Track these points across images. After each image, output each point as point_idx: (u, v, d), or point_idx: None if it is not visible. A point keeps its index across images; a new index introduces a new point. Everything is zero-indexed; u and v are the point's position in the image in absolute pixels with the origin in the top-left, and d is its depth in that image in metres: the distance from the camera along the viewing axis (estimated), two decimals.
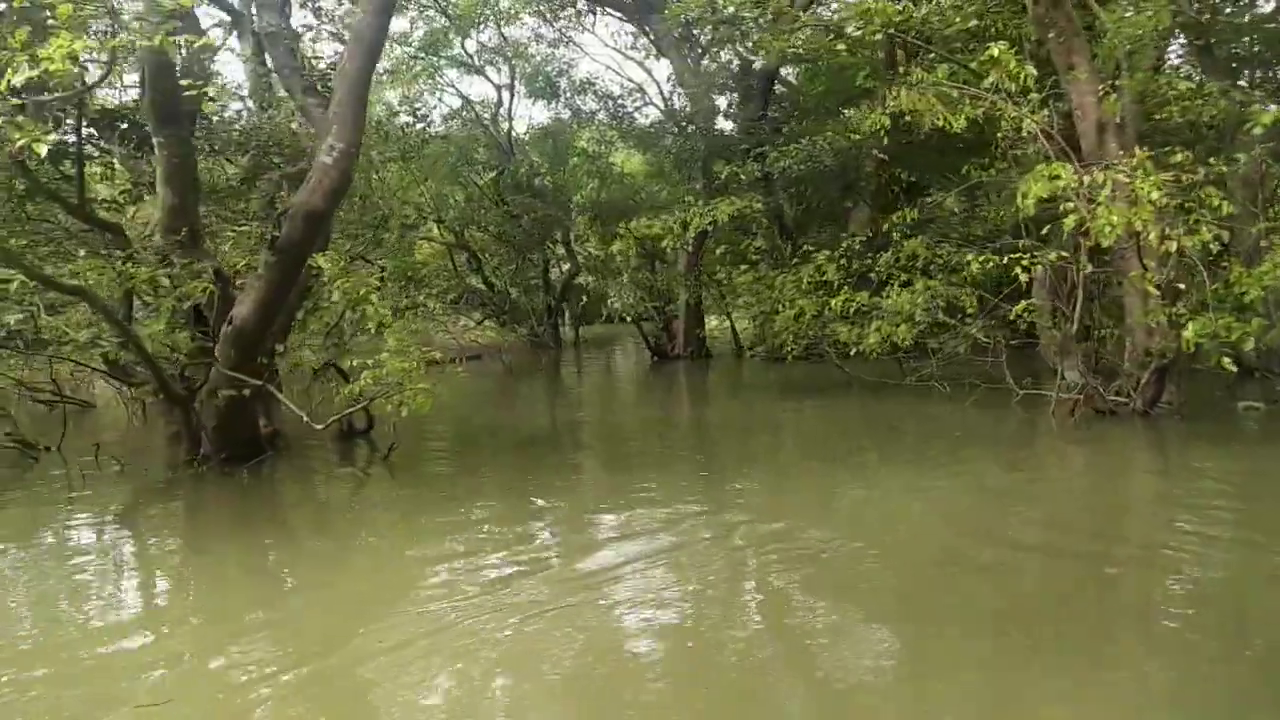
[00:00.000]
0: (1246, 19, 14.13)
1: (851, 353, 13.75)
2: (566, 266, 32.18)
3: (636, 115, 31.61)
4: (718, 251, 18.85)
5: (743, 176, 19.26)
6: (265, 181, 11.26)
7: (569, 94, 31.12)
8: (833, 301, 13.35)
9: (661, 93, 43.91)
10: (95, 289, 9.15)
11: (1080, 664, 4.27)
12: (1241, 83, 14.86)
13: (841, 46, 12.50)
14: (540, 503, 8.28)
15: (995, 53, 11.25)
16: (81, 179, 10.24)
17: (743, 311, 24.23)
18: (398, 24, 29.37)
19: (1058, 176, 8.68)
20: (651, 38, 29.60)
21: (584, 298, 34.94)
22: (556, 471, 9.98)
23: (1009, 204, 14.09)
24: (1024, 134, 10.82)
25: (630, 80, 47.90)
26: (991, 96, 10.70)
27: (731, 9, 14.47)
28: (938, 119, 10.63)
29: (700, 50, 27.93)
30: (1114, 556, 6.16)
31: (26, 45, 5.30)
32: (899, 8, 12.26)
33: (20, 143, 5.44)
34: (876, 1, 12.14)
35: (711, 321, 27.04)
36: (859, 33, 12.37)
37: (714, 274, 22.01)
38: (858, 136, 20.95)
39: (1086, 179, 8.66)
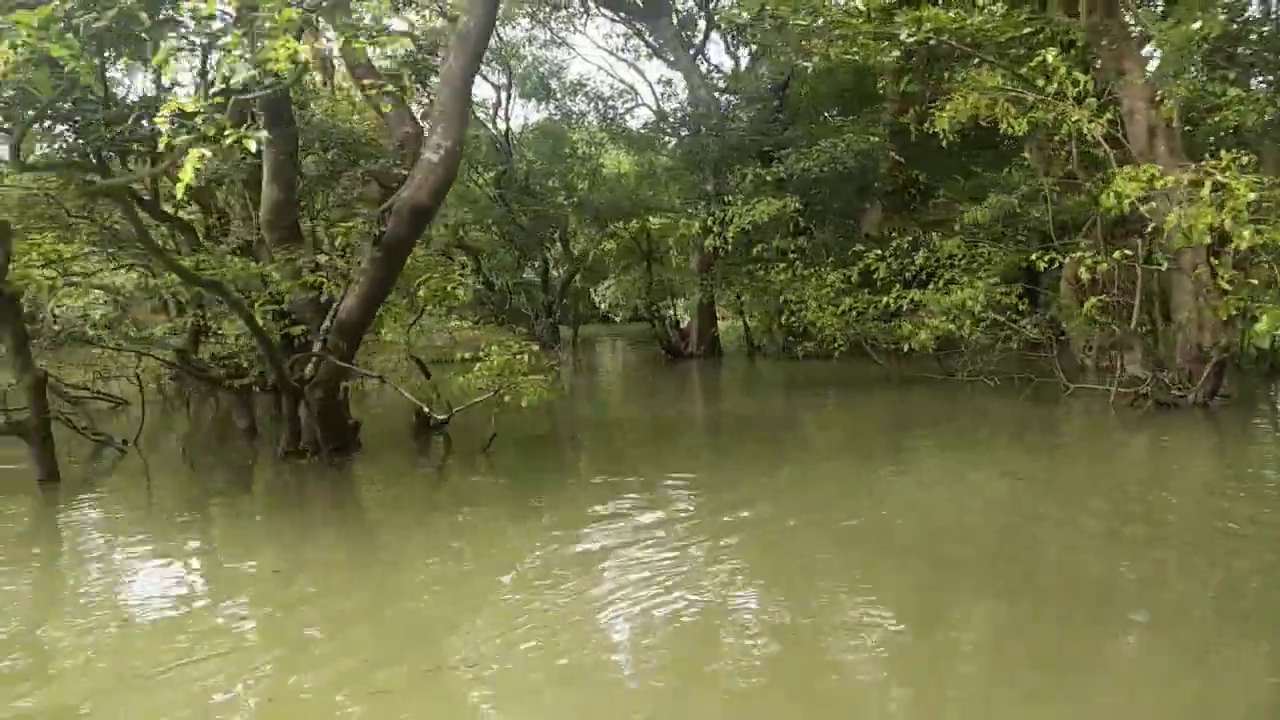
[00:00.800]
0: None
1: (905, 349, 14.10)
2: (566, 266, 32.34)
3: (628, 117, 32.17)
4: (755, 250, 19.16)
5: (768, 178, 19.61)
6: (347, 178, 11.39)
7: (560, 95, 31.38)
8: (885, 298, 13.74)
9: (654, 94, 44.37)
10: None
11: None
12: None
13: (896, 53, 12.84)
14: (669, 483, 8.55)
15: (1049, 58, 11.78)
16: (107, 173, 10.33)
17: (757, 311, 24.70)
18: (395, 24, 29.54)
19: (1153, 177, 9.13)
20: (650, 39, 30.02)
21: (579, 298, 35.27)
22: (652, 461, 10.23)
23: (1035, 204, 14.71)
24: (1087, 137, 11.27)
25: (622, 81, 48.08)
26: (1054, 101, 11.14)
27: (778, 12, 14.73)
28: (1006, 121, 11.03)
29: (693, 50, 28.43)
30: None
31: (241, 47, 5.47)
32: (951, 14, 12.68)
33: (230, 140, 5.60)
34: (930, 8, 12.60)
35: (723, 322, 27.49)
36: (912, 39, 12.73)
37: (741, 272, 22.30)
38: (876, 139, 21.59)
39: (1180, 179, 9.11)
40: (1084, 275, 11.25)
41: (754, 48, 27.66)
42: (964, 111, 12.26)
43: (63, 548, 7.33)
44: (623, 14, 29.96)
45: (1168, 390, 11.11)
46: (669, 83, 34.39)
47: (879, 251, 14.62)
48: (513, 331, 31.15)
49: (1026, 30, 12.52)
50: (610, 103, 32.19)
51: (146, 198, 9.21)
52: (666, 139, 30.06)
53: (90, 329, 10.67)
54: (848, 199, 22.74)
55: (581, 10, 30.87)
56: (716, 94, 27.97)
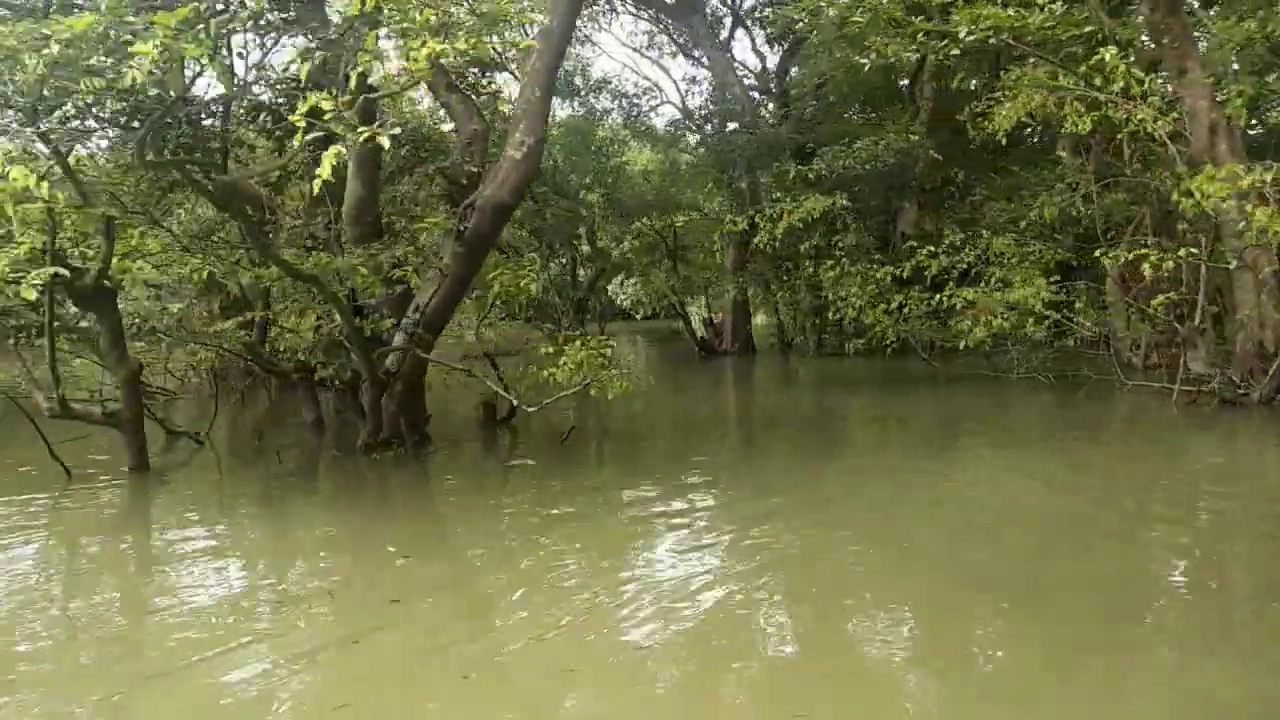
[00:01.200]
0: None
1: (955, 347, 14.20)
2: (594, 263, 32.50)
3: (652, 114, 32.31)
4: (803, 247, 19.33)
5: (810, 175, 19.71)
6: (418, 174, 11.53)
7: (584, 92, 31.49)
8: (939, 295, 13.84)
9: (679, 91, 44.49)
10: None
11: None
12: None
13: (956, 51, 12.89)
14: (745, 478, 8.68)
15: (1107, 57, 11.85)
16: (224, 169, 10.51)
17: (794, 308, 24.80)
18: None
19: (1238, 176, 9.21)
20: (676, 37, 30.13)
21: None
22: (719, 456, 10.37)
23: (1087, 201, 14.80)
24: (1154, 136, 11.34)
25: (646, 79, 48.31)
26: (1122, 100, 11.22)
27: (833, 11, 14.83)
28: (1071, 120, 11.12)
29: (725, 48, 28.53)
30: None
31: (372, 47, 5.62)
32: (1009, 13, 12.76)
33: (363, 137, 5.74)
34: (988, 6, 12.69)
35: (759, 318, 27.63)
36: (972, 38, 12.79)
37: (780, 269, 22.45)
38: (916, 137, 21.67)
39: (1263, 178, 9.19)
40: (1147, 273, 11.32)
41: (785, 46, 27.80)
42: (1023, 110, 12.35)
43: (218, 538, 7.31)
44: (652, 11, 30.04)
45: (1233, 388, 11.17)
46: (693, 80, 34.43)
47: (931, 248, 14.71)
48: (539, 329, 31.40)
49: (1088, 29, 12.58)
50: (634, 100, 32.34)
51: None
52: (693, 136, 30.26)
53: (163, 323, 10.81)
54: (885, 196, 22.84)
55: (608, 8, 30.93)
56: (753, 92, 28.12)
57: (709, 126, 28.75)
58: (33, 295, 7.68)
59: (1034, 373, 14.06)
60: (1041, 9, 12.59)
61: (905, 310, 15.23)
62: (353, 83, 5.78)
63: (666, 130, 31.87)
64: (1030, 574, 5.53)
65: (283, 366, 11.97)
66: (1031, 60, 13.87)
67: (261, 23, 6.16)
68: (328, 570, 6.19)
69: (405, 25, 5.63)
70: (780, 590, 5.38)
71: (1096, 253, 12.33)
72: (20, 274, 7.86)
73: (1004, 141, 13.50)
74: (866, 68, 14.37)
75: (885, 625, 4.85)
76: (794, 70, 28.33)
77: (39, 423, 9.15)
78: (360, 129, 5.84)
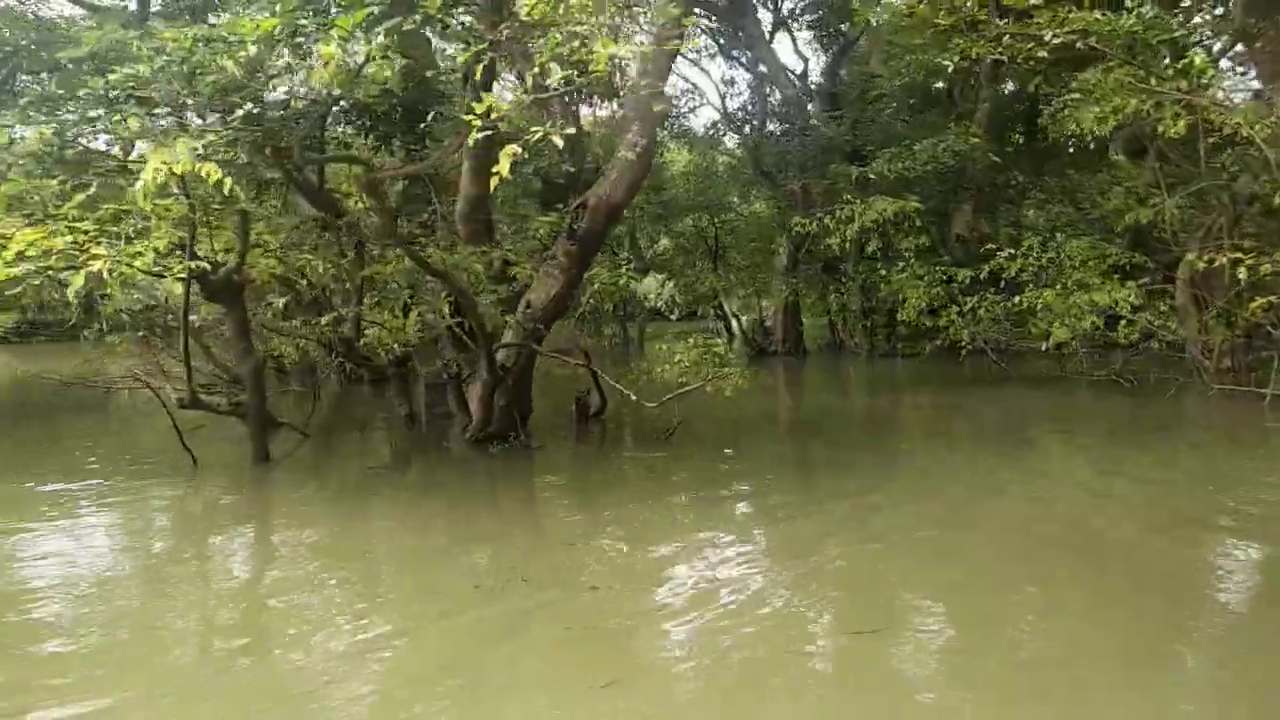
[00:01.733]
0: None
1: (1028, 349, 14.25)
2: (634, 264, 32.52)
3: (691, 116, 32.36)
4: (869, 250, 19.43)
5: (871, 176, 19.77)
6: (520, 175, 11.71)
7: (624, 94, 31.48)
8: (1019, 298, 13.90)
9: (719, 93, 44.52)
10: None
11: None
12: None
13: (1043, 53, 12.94)
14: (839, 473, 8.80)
15: (1197, 61, 11.89)
16: (322, 170, 10.77)
17: (841, 310, 24.89)
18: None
19: None
20: (720, 39, 30.19)
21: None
22: (806, 453, 10.50)
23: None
24: (1249, 139, 11.36)
25: (684, 79, 48.30)
26: (1221, 104, 11.26)
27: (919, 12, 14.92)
28: (1168, 123, 11.17)
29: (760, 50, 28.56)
30: None
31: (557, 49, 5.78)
32: (1097, 15, 12.80)
33: (538, 134, 5.90)
34: (1075, 9, 12.75)
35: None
36: (1057, 40, 12.84)
37: (839, 271, 22.57)
38: (976, 139, 21.70)
39: None
40: (1242, 276, 11.34)
41: (834, 49, 27.92)
42: (1117, 112, 12.40)
43: (377, 532, 7.40)
44: (699, 11, 30.10)
45: None
46: (731, 82, 34.75)
47: (1011, 250, 14.77)
48: (581, 329, 31.59)
49: (1180, 32, 12.61)
50: (675, 101, 32.40)
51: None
52: (731, 138, 30.34)
53: (273, 315, 11.07)
54: (941, 198, 22.89)
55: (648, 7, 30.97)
56: (806, 94, 28.18)
57: (747, 128, 28.82)
58: (179, 289, 7.92)
59: (1115, 376, 14.04)
60: (1131, 11, 12.65)
61: (979, 312, 15.28)
62: (529, 82, 5.93)
63: (706, 131, 31.94)
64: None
65: (377, 361, 12.19)
66: (1113, 63, 13.90)
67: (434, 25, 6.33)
68: (512, 558, 6.32)
69: (586, 28, 5.78)
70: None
71: (1190, 256, 12.33)
72: (160, 269, 8.12)
73: (1090, 141, 13.51)
74: (950, 69, 14.39)
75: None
76: (842, 72, 28.41)
77: (173, 414, 9.36)
78: (535, 128, 6.01)
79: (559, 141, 6.05)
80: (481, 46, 6.12)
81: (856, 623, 4.92)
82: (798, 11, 28.81)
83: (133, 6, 14.12)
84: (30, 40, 12.29)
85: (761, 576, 5.79)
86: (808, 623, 4.98)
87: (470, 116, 6.02)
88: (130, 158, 7.13)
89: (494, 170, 5.88)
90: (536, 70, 5.94)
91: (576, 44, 5.84)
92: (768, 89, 28.00)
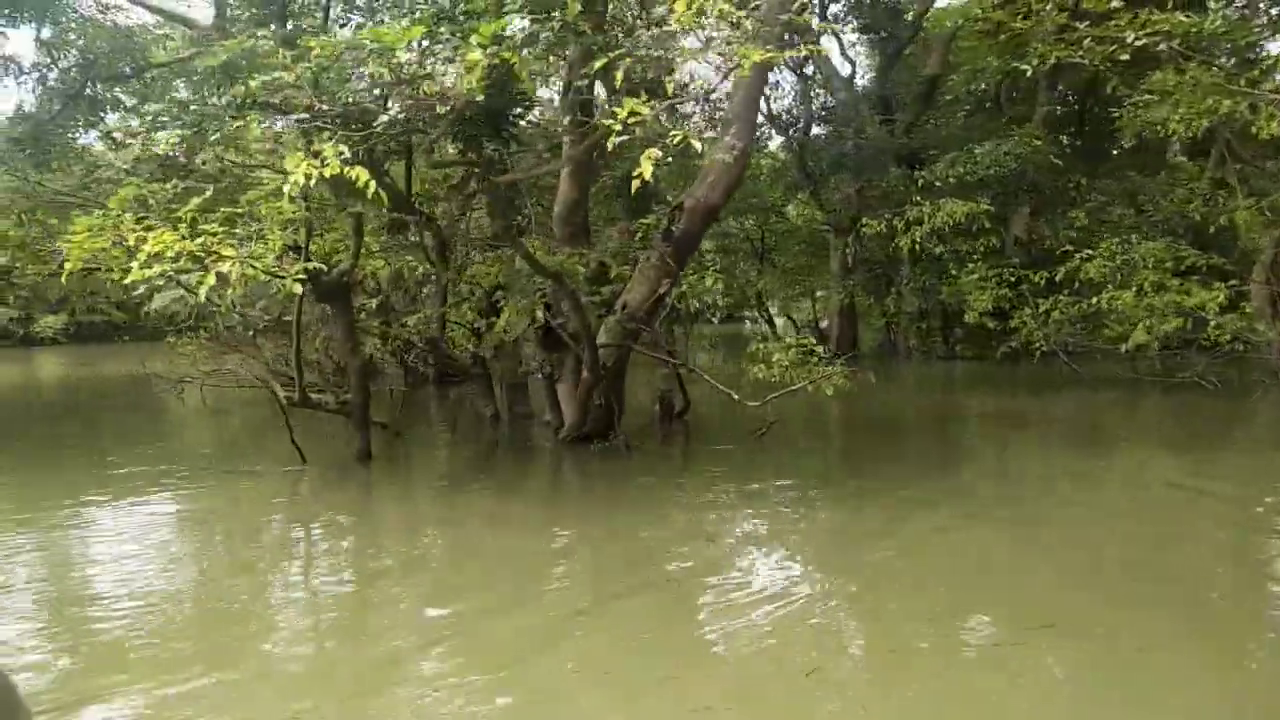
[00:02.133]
0: None
1: (1123, 350, 14.11)
2: None
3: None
4: (938, 251, 19.40)
5: (936, 182, 19.72)
6: (605, 179, 11.86)
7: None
8: (1095, 299, 13.84)
9: (765, 95, 44.38)
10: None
11: None
12: None
13: (1125, 56, 12.87)
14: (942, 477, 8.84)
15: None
16: (409, 173, 10.92)
17: (897, 313, 24.79)
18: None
19: None
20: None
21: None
22: (899, 456, 10.52)
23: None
24: None
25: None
26: None
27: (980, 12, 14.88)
28: (1263, 124, 11.10)
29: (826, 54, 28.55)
30: None
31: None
32: (1181, 17, 12.72)
33: (679, 139, 6.03)
34: (1156, 11, 12.69)
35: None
36: (1139, 42, 12.77)
37: (900, 274, 22.54)
38: (1039, 141, 21.59)
39: None
40: None
41: (887, 53, 27.85)
42: (1204, 114, 12.33)
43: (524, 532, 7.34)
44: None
45: None
46: (775, 84, 34.59)
47: (1089, 251, 14.70)
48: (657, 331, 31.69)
49: (1264, 34, 12.53)
50: (719, 104, 32.39)
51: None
52: (775, 140, 30.27)
53: (365, 316, 11.30)
54: (1001, 201, 22.79)
55: None
56: (840, 94, 28.11)
57: (792, 130, 28.77)
58: (299, 290, 8.12)
59: (1198, 378, 13.87)
60: (1216, 12, 12.57)
61: (1052, 315, 15.22)
62: (669, 88, 6.06)
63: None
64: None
65: (461, 361, 12.39)
66: (1193, 64, 13.80)
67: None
68: (668, 556, 6.41)
69: (730, 35, 5.89)
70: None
71: (1263, 257, 12.23)
72: (275, 270, 8.32)
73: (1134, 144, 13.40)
74: (1028, 73, 14.33)
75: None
76: (893, 76, 28.32)
77: (287, 414, 9.53)
78: (674, 131, 6.14)
79: (698, 145, 6.18)
80: (620, 53, 6.23)
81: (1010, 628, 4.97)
82: (843, 15, 28.80)
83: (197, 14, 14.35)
84: (107, 47, 12.43)
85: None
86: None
87: (611, 122, 6.15)
88: (263, 163, 7.33)
89: (635, 174, 6.01)
90: (673, 75, 6.07)
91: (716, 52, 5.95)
92: (814, 92, 28.04)
